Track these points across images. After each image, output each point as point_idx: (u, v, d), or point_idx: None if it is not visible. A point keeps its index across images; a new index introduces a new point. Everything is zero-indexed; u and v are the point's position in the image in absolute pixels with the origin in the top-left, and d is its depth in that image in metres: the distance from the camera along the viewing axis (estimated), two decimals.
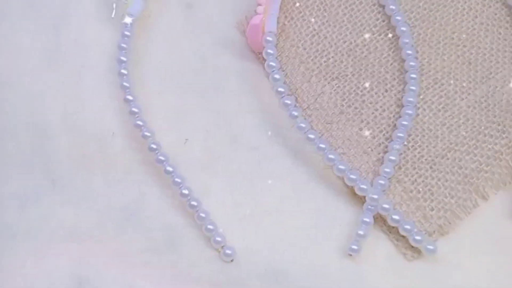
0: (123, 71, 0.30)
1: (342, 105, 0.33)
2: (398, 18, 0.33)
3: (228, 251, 0.28)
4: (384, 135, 0.32)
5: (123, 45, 0.30)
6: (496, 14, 0.35)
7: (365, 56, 0.34)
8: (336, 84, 0.33)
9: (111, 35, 0.32)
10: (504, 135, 0.32)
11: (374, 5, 0.34)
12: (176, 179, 0.29)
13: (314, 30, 0.34)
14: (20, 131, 0.31)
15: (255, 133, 0.32)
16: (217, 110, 0.32)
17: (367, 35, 0.34)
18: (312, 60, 0.33)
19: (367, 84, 0.33)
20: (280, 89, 0.31)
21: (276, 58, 0.32)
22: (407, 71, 0.33)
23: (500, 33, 0.34)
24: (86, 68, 0.31)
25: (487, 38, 0.34)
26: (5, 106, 0.32)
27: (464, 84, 0.33)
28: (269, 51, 0.31)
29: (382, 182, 0.30)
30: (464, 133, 0.32)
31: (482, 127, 0.32)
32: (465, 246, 0.30)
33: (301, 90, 0.33)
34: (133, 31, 0.31)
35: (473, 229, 0.30)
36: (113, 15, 0.31)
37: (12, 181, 0.30)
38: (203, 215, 0.29)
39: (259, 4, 0.31)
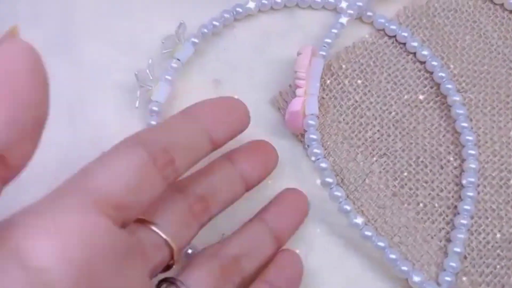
0: None
1: (395, 186, 0.29)
2: (449, 86, 0.30)
3: None
4: (444, 219, 0.29)
5: None
6: None
7: (414, 127, 0.30)
8: (385, 162, 0.30)
9: (135, 124, 0.28)
10: None
11: (420, 70, 0.31)
12: None
13: (356, 101, 0.31)
14: None
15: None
16: (252, 197, 0.29)
17: (414, 105, 0.31)
18: (356, 135, 0.30)
19: (420, 161, 0.30)
20: (328, 180, 0.27)
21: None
22: (464, 146, 0.29)
23: None
24: None
25: None
26: (17, 208, 0.28)
27: None
28: (312, 136, 0.28)
29: (449, 279, 0.26)
30: None
31: None
32: None
33: (347, 170, 0.29)
34: (159, 118, 0.27)
35: None
36: (137, 105, 0.27)
37: None
38: None
39: (298, 87, 0.28)
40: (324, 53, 0.29)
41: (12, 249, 0.16)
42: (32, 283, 0.15)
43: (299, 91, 0.28)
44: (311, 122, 0.28)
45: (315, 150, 0.27)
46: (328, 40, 0.29)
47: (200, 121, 0.23)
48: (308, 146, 0.28)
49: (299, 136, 0.30)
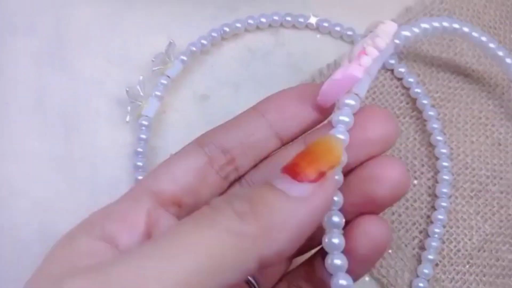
0: (140, 178, 0.28)
1: None
2: (425, 101, 0.32)
3: None
4: (417, 228, 0.30)
5: (139, 149, 0.28)
6: None
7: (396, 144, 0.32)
8: None
9: (125, 137, 0.30)
10: None
11: (397, 87, 0.33)
12: None
13: None
14: (31, 243, 0.29)
15: None
16: None
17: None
18: None
19: None
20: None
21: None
22: (438, 158, 0.31)
23: None
24: (99, 173, 0.29)
25: None
26: (16, 216, 0.29)
27: (496, 168, 0.32)
28: (344, 118, 0.20)
29: (422, 285, 0.28)
30: (498, 222, 0.30)
31: None
32: None
33: None
34: (148, 132, 0.29)
35: None
36: (127, 119, 0.29)
37: None
38: None
39: (364, 53, 0.21)
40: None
41: None
42: None
43: (363, 59, 0.21)
44: (349, 101, 0.21)
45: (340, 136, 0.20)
46: None
47: (266, 116, 0.22)
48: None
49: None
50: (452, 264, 0.30)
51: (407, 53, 0.34)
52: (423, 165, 0.32)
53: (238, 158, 0.22)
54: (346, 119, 0.20)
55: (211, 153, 0.21)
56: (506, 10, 0.36)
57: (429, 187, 0.31)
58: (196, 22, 0.33)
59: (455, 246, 0.30)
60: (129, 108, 0.29)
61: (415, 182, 0.31)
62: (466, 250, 0.30)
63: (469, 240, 0.30)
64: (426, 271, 0.28)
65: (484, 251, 0.30)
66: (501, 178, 0.31)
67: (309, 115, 0.22)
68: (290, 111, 0.22)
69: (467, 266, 0.30)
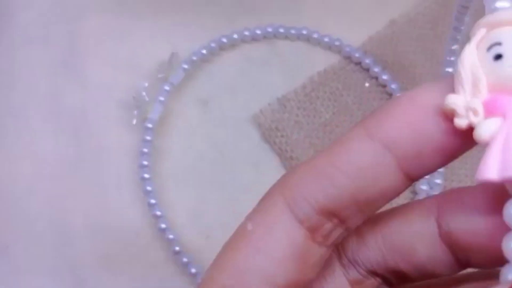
0: (145, 175, 0.31)
1: None
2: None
3: None
4: None
5: (144, 149, 0.31)
6: None
7: None
8: None
9: (131, 138, 0.33)
10: None
11: (382, 93, 0.36)
12: (199, 281, 0.30)
13: (326, 119, 0.35)
14: (43, 236, 0.32)
15: None
16: (235, 201, 0.33)
17: None
18: None
19: None
20: None
21: (292, 150, 0.33)
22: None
23: None
24: (108, 172, 0.32)
25: None
26: (28, 212, 0.32)
27: (475, 168, 0.34)
28: None
29: None
30: None
31: None
32: None
33: None
34: (153, 134, 0.32)
35: None
36: (134, 122, 0.32)
37: (37, 286, 0.31)
38: None
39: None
40: None
41: None
42: None
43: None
44: None
45: None
46: None
47: (393, 151, 0.14)
48: None
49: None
50: None
51: (392, 62, 0.36)
52: None
53: (350, 219, 0.14)
54: None
55: (309, 220, 0.14)
56: None
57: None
58: (197, 32, 0.36)
59: None
60: (135, 112, 0.31)
61: None
62: None
63: None
64: None
65: None
66: None
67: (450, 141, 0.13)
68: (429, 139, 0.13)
69: None
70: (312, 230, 0.14)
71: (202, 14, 0.37)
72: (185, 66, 0.33)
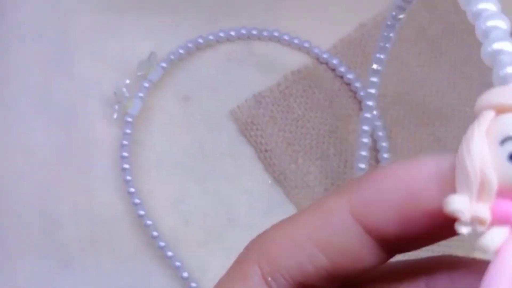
0: (125, 166, 0.33)
1: (326, 183, 0.36)
2: (369, 103, 0.37)
3: None
4: None
5: (124, 142, 0.34)
6: (460, 95, 0.39)
7: (345, 137, 0.37)
8: (320, 164, 0.37)
9: (115, 131, 0.35)
10: None
11: (349, 91, 0.38)
12: (177, 263, 0.33)
13: (299, 115, 0.38)
14: (33, 220, 0.34)
15: (249, 213, 0.35)
16: (214, 193, 0.36)
17: (345, 119, 0.38)
18: (297, 142, 0.37)
19: (347, 163, 0.37)
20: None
21: (267, 143, 0.36)
22: (379, 151, 0.36)
23: (466, 112, 0.38)
24: (94, 161, 0.35)
25: (455, 116, 0.38)
26: (19, 197, 0.35)
27: None
28: None
29: None
30: None
31: None
32: None
33: (289, 171, 0.36)
34: (133, 127, 0.34)
35: None
36: (115, 116, 0.34)
37: (27, 267, 0.33)
38: None
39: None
40: None
41: None
42: None
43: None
44: None
45: None
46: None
47: (364, 223, 0.13)
48: None
49: None
50: None
51: (361, 63, 0.39)
52: (372, 158, 0.37)
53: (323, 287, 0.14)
54: None
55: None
56: (452, 23, 0.41)
57: None
58: (181, 32, 0.38)
59: None
60: (116, 107, 0.34)
61: (363, 166, 0.36)
62: None
63: None
64: None
65: None
66: None
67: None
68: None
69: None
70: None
71: (185, 15, 0.39)
72: (164, 65, 0.36)
